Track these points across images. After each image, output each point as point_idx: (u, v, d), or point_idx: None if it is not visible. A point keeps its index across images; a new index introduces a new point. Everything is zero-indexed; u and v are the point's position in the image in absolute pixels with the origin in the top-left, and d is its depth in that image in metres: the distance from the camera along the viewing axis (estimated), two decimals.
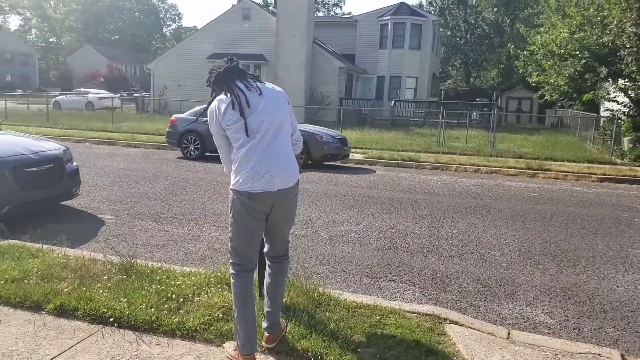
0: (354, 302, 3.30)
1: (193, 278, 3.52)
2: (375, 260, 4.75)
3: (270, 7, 28.04)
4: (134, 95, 37.65)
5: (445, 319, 3.19)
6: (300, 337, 2.77)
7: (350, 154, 12.02)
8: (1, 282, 3.35)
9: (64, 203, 6.27)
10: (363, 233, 5.69)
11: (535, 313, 3.70)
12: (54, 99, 30.38)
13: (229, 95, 2.41)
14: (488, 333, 3.08)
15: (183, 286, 3.36)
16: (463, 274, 4.46)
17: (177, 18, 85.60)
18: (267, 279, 2.74)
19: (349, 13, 59.41)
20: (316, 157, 10.69)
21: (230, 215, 2.51)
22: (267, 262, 2.77)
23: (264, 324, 2.69)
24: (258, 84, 2.48)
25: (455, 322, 3.17)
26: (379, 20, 28.30)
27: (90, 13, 66.83)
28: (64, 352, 2.65)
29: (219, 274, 3.60)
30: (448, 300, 3.86)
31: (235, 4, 28.54)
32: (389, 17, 27.85)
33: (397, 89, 28.27)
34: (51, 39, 68.60)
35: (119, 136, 15.55)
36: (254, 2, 27.45)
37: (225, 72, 2.44)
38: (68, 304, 3.06)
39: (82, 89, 36.03)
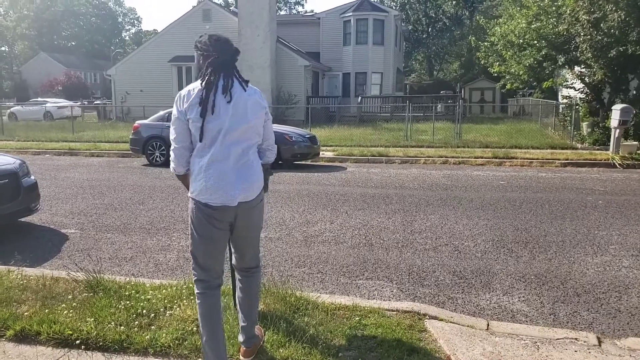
0: (332, 304, 3.24)
1: (164, 291, 3.37)
2: (351, 258, 4.70)
3: (231, 8, 27.62)
4: (95, 102, 36.42)
5: (424, 315, 3.17)
6: (279, 345, 2.69)
7: (321, 152, 11.97)
8: None
9: (23, 219, 5.95)
10: (337, 232, 5.64)
11: (512, 301, 3.73)
12: (8, 110, 29.02)
13: (203, 85, 2.24)
14: (468, 326, 3.08)
15: (154, 300, 3.21)
16: (439, 266, 4.47)
17: (136, 22, 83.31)
18: (239, 293, 2.59)
19: (311, 11, 59.33)
20: (287, 157, 10.59)
21: (190, 225, 2.33)
22: (237, 276, 2.60)
23: (240, 338, 2.57)
24: (236, 87, 2.30)
25: (435, 317, 3.15)
26: (341, 17, 28.37)
27: (44, 20, 64.11)
28: None
29: (191, 284, 3.43)
30: (426, 295, 3.85)
31: (195, 5, 28.00)
32: (351, 14, 27.95)
33: (363, 85, 28.42)
34: (2, 48, 65.58)
35: (81, 146, 14.98)
36: (214, 3, 27.01)
37: (218, 60, 2.26)
38: (29, 328, 2.87)
39: (39, 99, 34.57)
